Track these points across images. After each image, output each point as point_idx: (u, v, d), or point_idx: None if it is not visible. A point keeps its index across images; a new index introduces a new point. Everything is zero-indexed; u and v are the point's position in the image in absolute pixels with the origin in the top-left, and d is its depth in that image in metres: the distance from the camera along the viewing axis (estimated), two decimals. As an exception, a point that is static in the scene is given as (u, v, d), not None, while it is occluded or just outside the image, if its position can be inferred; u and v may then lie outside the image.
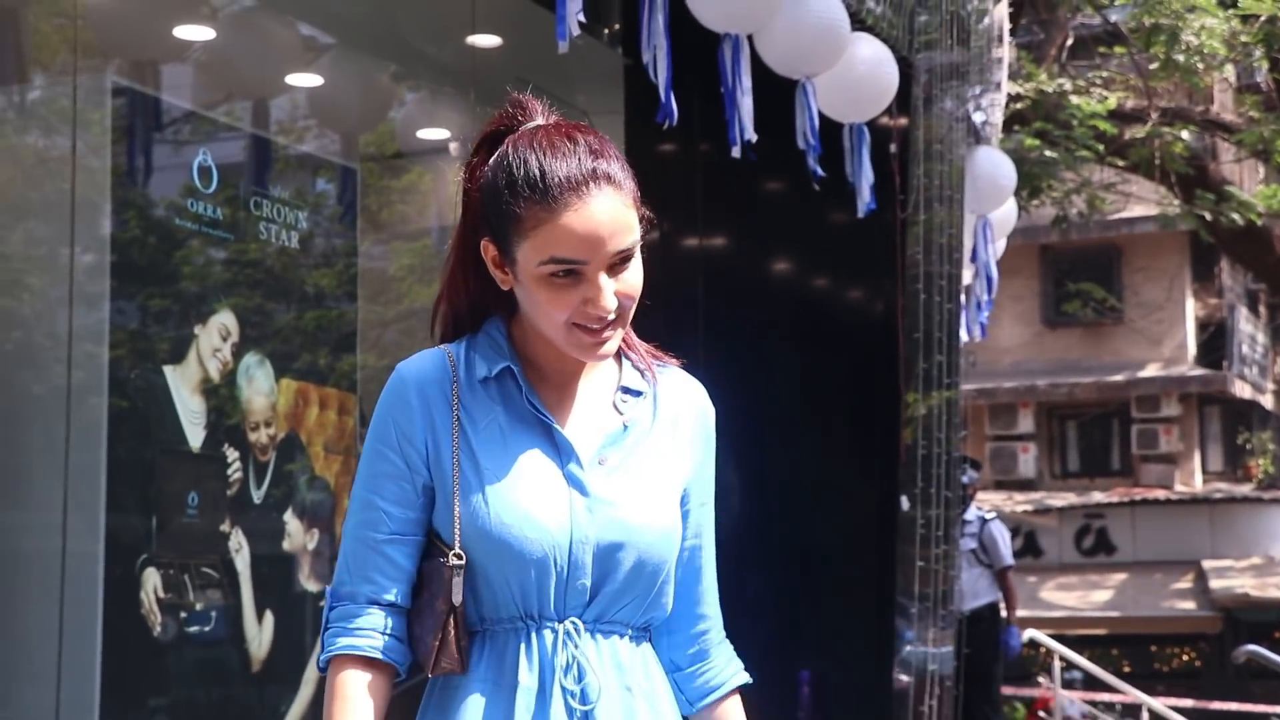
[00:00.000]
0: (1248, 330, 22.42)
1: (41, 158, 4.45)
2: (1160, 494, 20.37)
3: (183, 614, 4.36)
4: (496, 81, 5.41)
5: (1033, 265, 21.22)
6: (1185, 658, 20.29)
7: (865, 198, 5.66)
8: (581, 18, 4.19)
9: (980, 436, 20.82)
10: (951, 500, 6.44)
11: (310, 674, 4.74)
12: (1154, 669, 19.58)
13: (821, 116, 5.32)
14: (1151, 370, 21.14)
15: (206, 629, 4.44)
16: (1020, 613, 10.60)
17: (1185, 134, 12.12)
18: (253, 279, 4.75)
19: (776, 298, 7.03)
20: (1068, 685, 14.15)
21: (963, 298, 6.82)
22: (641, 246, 1.95)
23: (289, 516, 4.75)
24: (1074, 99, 11.51)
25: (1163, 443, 20.95)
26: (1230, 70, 12.49)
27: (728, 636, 2.15)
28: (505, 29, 5.79)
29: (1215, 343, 21.60)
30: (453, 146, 5.77)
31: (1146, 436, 20.99)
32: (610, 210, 1.90)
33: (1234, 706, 14.01)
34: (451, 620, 1.93)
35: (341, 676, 1.94)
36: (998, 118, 7.44)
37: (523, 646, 1.94)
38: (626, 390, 2.05)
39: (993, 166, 7.01)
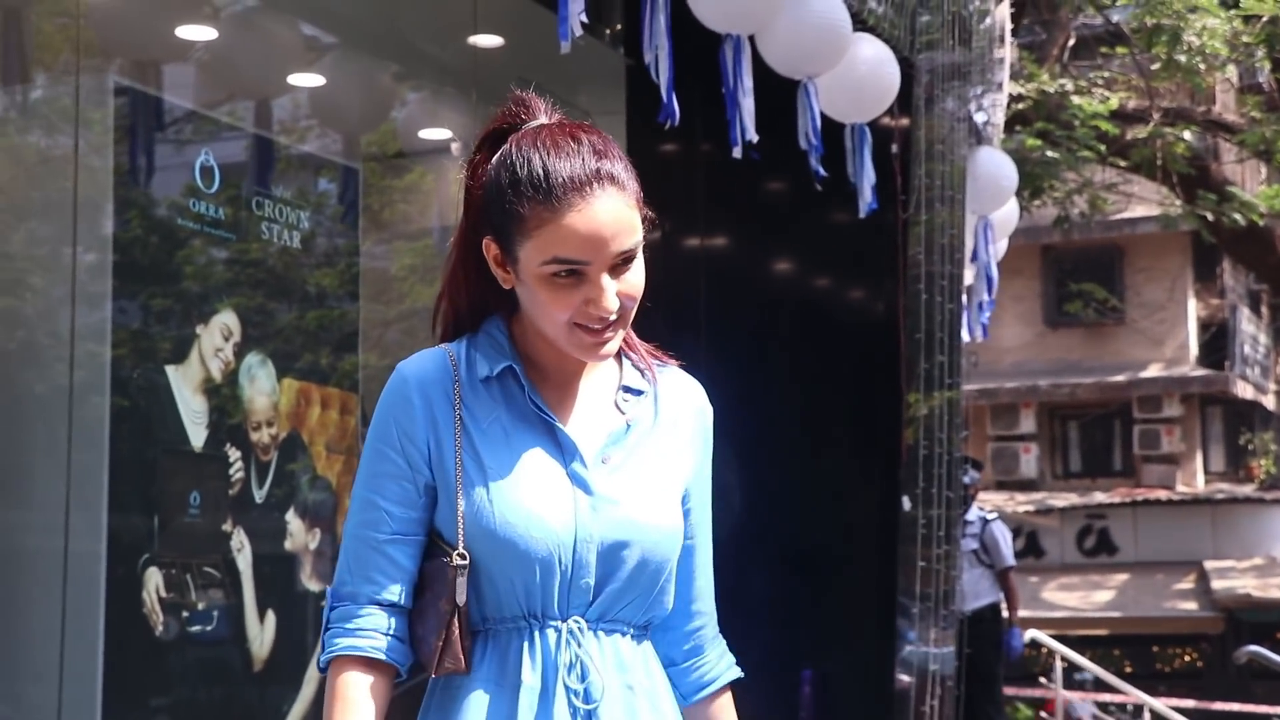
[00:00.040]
0: (1250, 331, 22.40)
1: (44, 157, 4.45)
2: (1162, 494, 20.34)
3: (185, 613, 4.36)
4: (498, 82, 5.42)
5: (1034, 265, 21.19)
6: (1187, 658, 20.25)
7: (867, 198, 5.66)
8: (583, 18, 4.19)
9: (982, 437, 20.79)
10: (953, 500, 6.43)
11: (312, 674, 4.74)
12: (1155, 669, 19.54)
13: (823, 117, 5.32)
14: (1153, 371, 21.11)
15: (208, 628, 4.44)
16: (1022, 613, 10.60)
17: (1187, 134, 12.10)
18: (255, 279, 4.75)
19: (778, 298, 7.03)
20: (1078, 686, 14.15)
21: (964, 298, 6.81)
22: (643, 247, 1.95)
23: (291, 516, 4.75)
24: (1076, 99, 11.50)
25: (1164, 443, 20.92)
26: (1232, 71, 12.49)
27: (729, 636, 2.15)
28: (507, 29, 5.79)
29: (1217, 343, 21.57)
30: (454, 146, 5.76)
31: (1148, 437, 20.97)
32: (613, 211, 1.89)
33: (1236, 707, 13.99)
34: (455, 620, 1.92)
35: (342, 678, 1.93)
36: (999, 118, 7.44)
37: (526, 646, 1.93)
38: (628, 389, 2.04)
39: (994, 167, 7.01)
